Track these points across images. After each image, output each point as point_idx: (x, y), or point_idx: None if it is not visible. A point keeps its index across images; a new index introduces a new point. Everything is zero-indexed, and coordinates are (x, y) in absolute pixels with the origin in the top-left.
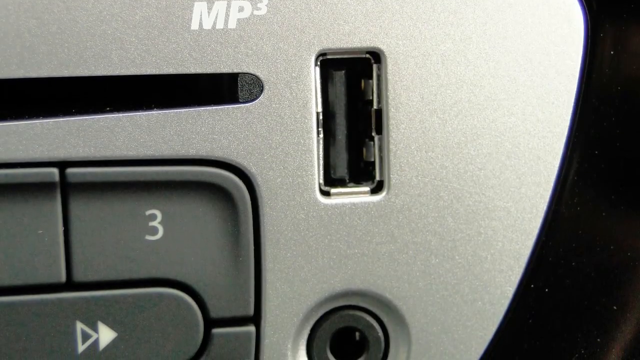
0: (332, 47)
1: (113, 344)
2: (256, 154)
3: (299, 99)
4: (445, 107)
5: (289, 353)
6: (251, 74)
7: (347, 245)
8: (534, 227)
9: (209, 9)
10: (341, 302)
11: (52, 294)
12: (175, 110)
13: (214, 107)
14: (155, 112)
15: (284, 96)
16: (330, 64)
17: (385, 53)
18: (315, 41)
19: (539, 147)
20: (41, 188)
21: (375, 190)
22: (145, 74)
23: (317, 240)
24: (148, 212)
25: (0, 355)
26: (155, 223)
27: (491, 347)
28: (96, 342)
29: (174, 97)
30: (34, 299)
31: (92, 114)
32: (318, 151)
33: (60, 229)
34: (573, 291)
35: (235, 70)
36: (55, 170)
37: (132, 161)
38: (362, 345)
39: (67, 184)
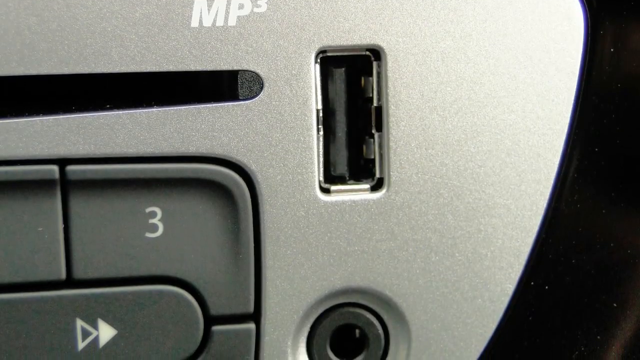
0: (332, 44)
1: (113, 342)
2: (256, 152)
3: (299, 96)
4: (445, 104)
5: (289, 350)
6: (251, 72)
7: (347, 243)
8: (534, 224)
9: (209, 6)
10: (341, 300)
11: (52, 291)
12: (175, 108)
13: (214, 105)
14: (155, 110)
15: (284, 93)
16: (330, 62)
17: (385, 50)
18: (315, 38)
19: (539, 144)
20: (41, 185)
21: (375, 188)
22: (145, 71)
23: (317, 238)
24: (148, 210)
25: (0, 353)
26: (155, 220)
27: (491, 345)
28: (96, 339)
29: (174, 94)
30: (34, 296)
31: (92, 111)
32: (318, 148)
33: (60, 226)
34: (573, 288)
35: (235, 68)
36: (55, 168)
37: (132, 158)
38: (362, 342)
39: (67, 181)
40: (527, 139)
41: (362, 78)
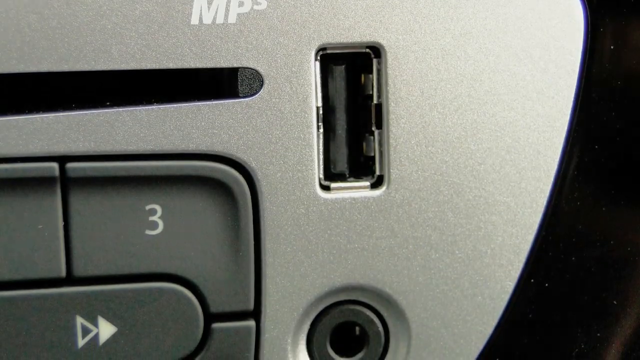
0: (332, 41)
1: (113, 339)
2: (256, 149)
3: (299, 93)
4: (445, 101)
5: (289, 348)
6: (251, 69)
7: (347, 240)
8: (534, 221)
9: (209, 3)
10: (341, 297)
11: (52, 288)
12: (175, 105)
13: (214, 102)
14: (155, 107)
15: (284, 91)
16: (330, 59)
17: (385, 48)
18: (315, 36)
19: (539, 141)
20: (41, 183)
21: (375, 185)
22: (145, 68)
23: (317, 235)
24: (148, 207)
25: (0, 350)
26: (155, 218)
27: (491, 342)
28: (96, 336)
29: (174, 91)
30: (34, 293)
31: (92, 108)
32: (318, 146)
33: (60, 223)
34: (573, 286)
35: (235, 65)
36: (55, 165)
37: (132, 156)
38: (362, 340)
39: (67, 178)
40: (527, 136)
41: (362, 75)
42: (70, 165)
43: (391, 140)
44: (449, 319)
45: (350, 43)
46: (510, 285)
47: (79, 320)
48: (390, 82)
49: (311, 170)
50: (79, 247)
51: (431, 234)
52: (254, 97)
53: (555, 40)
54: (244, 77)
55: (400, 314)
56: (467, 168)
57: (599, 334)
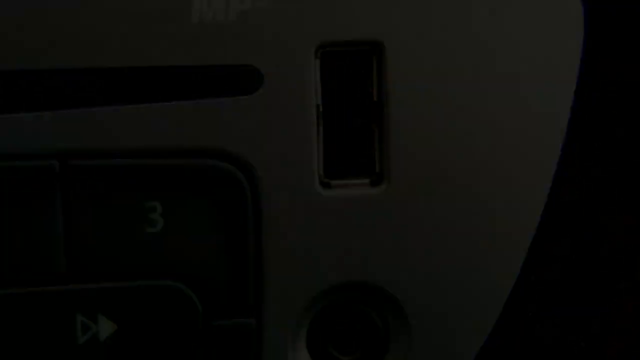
0: (333, 39)
1: (113, 336)
2: (256, 146)
3: (299, 91)
4: (446, 99)
5: (289, 346)
6: (251, 67)
7: (347, 237)
8: (533, 220)
9: (209, 1)
10: (341, 295)
11: (52, 285)
12: (175, 103)
13: (213, 100)
14: (155, 105)
15: (284, 88)
16: (330, 56)
17: (385, 45)
18: (315, 33)
19: (539, 139)
20: (42, 180)
21: (375, 182)
22: (145, 66)
23: (317, 232)
24: (148, 204)
25: (0, 347)
26: (155, 215)
27: (491, 339)
28: (96, 334)
29: (174, 89)
30: (34, 290)
31: (92, 106)
32: (318, 143)
33: (61, 220)
34: (572, 284)
35: (235, 63)
36: (55, 162)
37: (132, 153)
38: (363, 337)
39: (67, 175)
40: (527, 134)
41: (363, 73)
42: (71, 162)
43: (391, 138)
44: (449, 316)
45: (351, 40)
46: (509, 282)
47: (79, 318)
48: (390, 79)
49: (311, 167)
50: (79, 244)
51: (431, 231)
52: (254, 94)
53: (555, 38)
54: (244, 75)
55: (400, 312)
56: (467, 165)
57: (598, 333)
